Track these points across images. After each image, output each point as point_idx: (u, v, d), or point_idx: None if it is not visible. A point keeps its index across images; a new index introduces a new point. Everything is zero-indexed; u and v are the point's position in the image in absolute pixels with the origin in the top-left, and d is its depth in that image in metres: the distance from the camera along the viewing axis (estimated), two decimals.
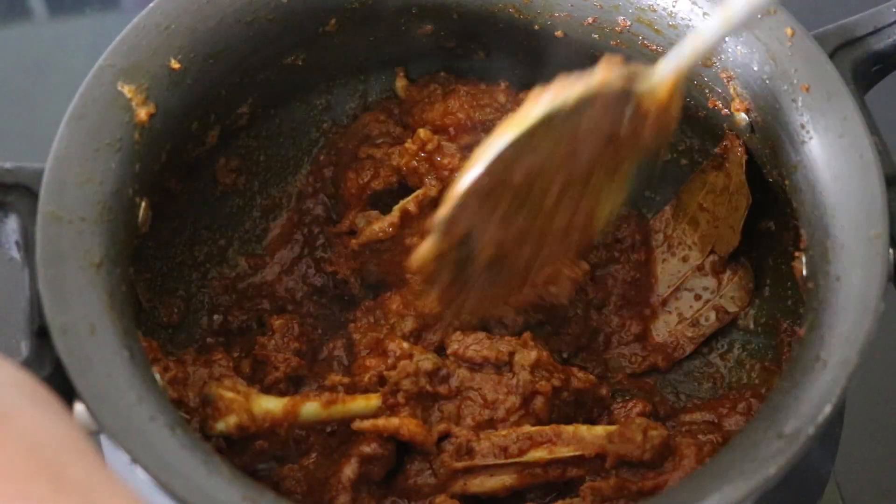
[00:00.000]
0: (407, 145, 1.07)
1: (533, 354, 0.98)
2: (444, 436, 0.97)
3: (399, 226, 1.05)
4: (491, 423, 0.97)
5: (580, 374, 1.00)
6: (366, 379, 0.98)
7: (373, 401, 0.97)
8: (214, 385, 0.94)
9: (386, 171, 1.08)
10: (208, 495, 0.78)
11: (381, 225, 1.05)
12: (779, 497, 0.86)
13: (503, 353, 0.98)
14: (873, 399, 1.18)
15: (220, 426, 0.93)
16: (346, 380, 0.99)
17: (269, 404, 0.95)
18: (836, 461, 0.98)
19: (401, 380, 0.97)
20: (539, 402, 0.97)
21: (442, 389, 0.98)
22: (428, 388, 0.97)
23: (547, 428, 0.97)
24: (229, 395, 0.94)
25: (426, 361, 0.97)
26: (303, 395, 0.97)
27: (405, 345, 0.98)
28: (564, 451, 0.96)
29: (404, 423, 0.96)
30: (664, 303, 1.10)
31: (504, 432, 0.96)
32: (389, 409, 0.97)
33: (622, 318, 1.10)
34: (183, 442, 0.80)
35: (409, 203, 1.05)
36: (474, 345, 0.99)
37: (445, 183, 1.05)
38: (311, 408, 0.96)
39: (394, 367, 0.97)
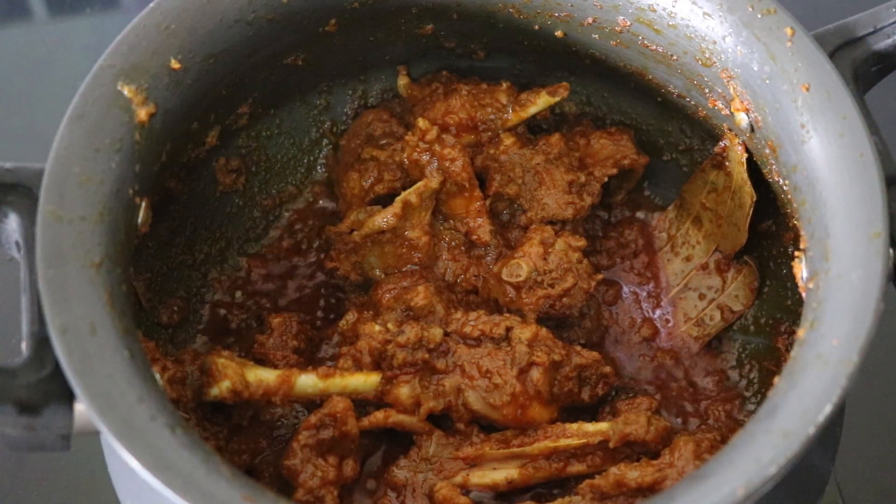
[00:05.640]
0: (407, 137, 1.07)
1: (531, 329, 0.98)
2: (442, 414, 0.98)
3: (401, 216, 1.05)
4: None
5: (583, 352, 1.00)
6: (348, 363, 0.99)
7: (372, 377, 0.98)
8: (211, 355, 0.95)
9: (390, 175, 1.08)
10: (208, 495, 0.78)
11: (382, 216, 1.05)
12: (779, 497, 0.86)
13: (500, 328, 0.99)
14: (873, 399, 1.18)
15: (214, 391, 0.94)
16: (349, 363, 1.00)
17: (264, 374, 0.96)
18: (836, 461, 0.99)
19: (398, 350, 0.97)
20: (536, 373, 0.97)
21: (440, 364, 0.98)
22: (426, 357, 0.97)
23: (552, 426, 0.98)
24: (223, 360, 0.94)
25: (428, 332, 0.98)
26: (299, 367, 0.98)
27: (377, 328, 0.99)
28: (569, 441, 0.96)
29: (389, 414, 0.98)
30: (670, 303, 1.10)
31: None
32: (387, 380, 0.98)
33: (633, 320, 1.10)
34: (183, 442, 0.80)
35: (410, 195, 1.05)
36: (473, 321, 0.99)
37: (447, 174, 1.06)
38: (307, 380, 0.96)
39: (379, 349, 0.98)
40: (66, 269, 0.83)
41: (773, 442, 0.79)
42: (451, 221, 1.08)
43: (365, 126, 1.12)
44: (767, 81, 0.92)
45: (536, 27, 1.06)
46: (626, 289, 1.12)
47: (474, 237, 1.07)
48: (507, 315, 1.01)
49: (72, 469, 1.16)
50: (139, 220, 0.93)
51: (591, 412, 1.04)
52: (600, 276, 1.05)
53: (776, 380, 0.83)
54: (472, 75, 1.13)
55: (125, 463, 0.78)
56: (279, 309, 1.10)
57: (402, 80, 1.14)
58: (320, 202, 1.15)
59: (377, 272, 1.08)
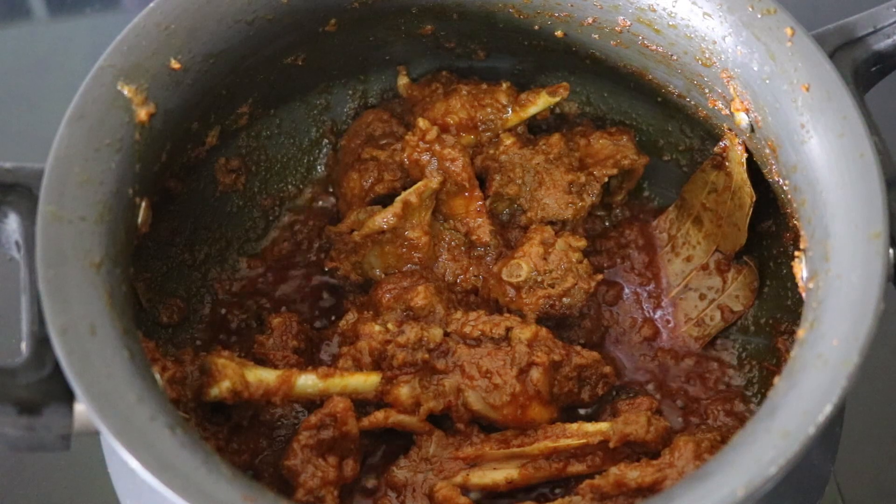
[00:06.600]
0: (408, 137, 1.07)
1: (531, 329, 0.99)
2: (442, 414, 0.98)
3: (401, 216, 1.05)
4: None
5: (583, 352, 1.00)
6: (348, 363, 0.99)
7: (372, 377, 0.98)
8: (211, 355, 0.95)
9: (390, 175, 1.08)
10: (208, 495, 0.78)
11: (383, 216, 1.05)
12: (779, 497, 0.86)
13: (500, 328, 0.99)
14: (873, 399, 1.18)
15: (214, 391, 0.94)
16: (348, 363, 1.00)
17: (264, 374, 0.96)
18: (836, 461, 0.99)
19: (398, 350, 0.97)
20: (536, 373, 0.97)
21: (440, 364, 0.98)
22: (426, 357, 0.97)
23: (552, 426, 0.98)
24: (223, 361, 0.94)
25: (428, 332, 0.98)
26: (299, 367, 0.98)
27: (377, 328, 0.99)
28: (569, 441, 0.97)
29: (389, 414, 0.98)
30: (670, 303, 1.10)
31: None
32: (387, 380, 0.98)
33: (633, 320, 1.10)
34: (183, 442, 0.80)
35: (410, 195, 1.05)
36: (473, 321, 0.99)
37: (447, 174, 1.06)
38: (307, 380, 0.96)
39: (379, 349, 0.98)
40: (66, 269, 0.83)
41: (773, 442, 0.79)
42: (451, 221, 1.08)
43: (365, 126, 1.12)
44: (767, 81, 0.92)
45: (536, 27, 1.06)
46: (626, 289, 1.11)
47: (474, 237, 1.07)
48: (507, 315, 1.01)
49: (72, 469, 1.16)
50: (139, 220, 0.93)
51: (591, 412, 1.04)
52: (600, 276, 1.05)
53: (776, 380, 0.83)
54: (472, 75, 1.13)
55: (125, 463, 0.79)
56: (279, 309, 1.10)
57: (402, 80, 1.14)
58: (320, 202, 1.15)
59: (377, 272, 1.08)
